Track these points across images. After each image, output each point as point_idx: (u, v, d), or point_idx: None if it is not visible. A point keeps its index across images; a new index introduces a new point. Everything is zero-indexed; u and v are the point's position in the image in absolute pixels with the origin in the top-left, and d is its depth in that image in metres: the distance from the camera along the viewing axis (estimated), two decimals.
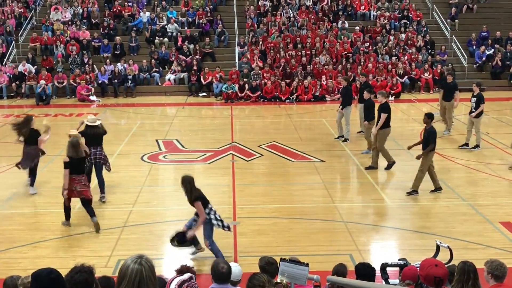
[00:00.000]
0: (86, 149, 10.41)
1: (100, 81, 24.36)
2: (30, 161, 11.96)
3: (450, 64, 24.85)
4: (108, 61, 25.22)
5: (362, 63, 24.71)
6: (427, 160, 11.45)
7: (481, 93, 14.83)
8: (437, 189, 11.66)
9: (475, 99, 14.72)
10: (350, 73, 24.00)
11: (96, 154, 11.41)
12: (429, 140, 11.37)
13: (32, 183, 12.06)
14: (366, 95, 14.52)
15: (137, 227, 10.20)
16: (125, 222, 10.35)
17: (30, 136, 11.90)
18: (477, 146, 14.88)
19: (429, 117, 11.57)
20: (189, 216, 10.69)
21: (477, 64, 25.90)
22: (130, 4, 28.53)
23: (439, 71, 23.73)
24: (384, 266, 5.76)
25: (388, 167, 13.25)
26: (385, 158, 13.26)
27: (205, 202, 8.81)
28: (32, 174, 12.11)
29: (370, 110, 14.29)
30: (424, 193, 11.90)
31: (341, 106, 16.07)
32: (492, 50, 26.17)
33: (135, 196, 11.74)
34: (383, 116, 12.94)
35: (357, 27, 27.15)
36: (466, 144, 15.04)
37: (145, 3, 29.11)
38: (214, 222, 8.66)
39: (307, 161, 14.36)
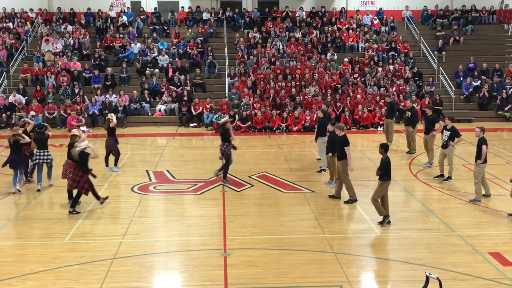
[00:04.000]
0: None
1: (90, 112, 24.44)
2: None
3: (437, 96, 25.20)
4: (99, 92, 25.35)
5: (351, 94, 25.00)
6: (381, 189, 11.63)
7: (454, 126, 15.10)
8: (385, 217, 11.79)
9: (449, 132, 14.99)
10: (339, 104, 24.27)
11: None
12: (383, 169, 11.59)
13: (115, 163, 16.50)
14: (330, 127, 14.64)
15: (127, 259, 10.16)
16: (115, 254, 10.30)
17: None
18: (449, 178, 15.09)
19: (383, 147, 11.80)
20: (180, 247, 10.70)
21: (465, 95, 26.27)
22: (121, 35, 28.80)
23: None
24: None
25: (347, 201, 13.31)
26: (347, 191, 13.38)
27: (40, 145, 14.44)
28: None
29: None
30: (414, 224, 11.97)
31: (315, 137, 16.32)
32: (479, 81, 26.59)
33: (125, 228, 11.70)
34: (347, 148, 13.09)
35: (346, 59, 27.53)
36: (441, 175, 15.25)
37: (136, 35, 29.40)
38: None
39: (297, 191, 14.42)
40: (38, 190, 14.37)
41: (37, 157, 14.44)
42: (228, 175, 15.61)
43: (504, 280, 9.13)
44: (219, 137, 15.50)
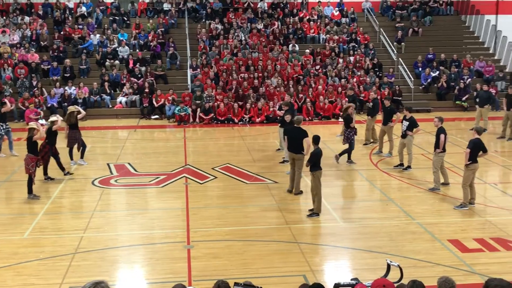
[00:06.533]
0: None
1: (49, 105, 23.95)
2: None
3: (397, 86, 25.55)
4: (57, 84, 24.84)
5: (312, 85, 25.15)
6: (315, 180, 11.83)
7: (412, 116, 15.39)
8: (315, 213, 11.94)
9: (408, 123, 15.29)
10: (302, 95, 24.39)
11: None
12: (313, 161, 11.83)
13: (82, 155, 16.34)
14: (287, 118, 15.03)
15: (89, 253, 10.03)
16: (76, 249, 10.16)
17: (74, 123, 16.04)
18: (409, 167, 15.39)
19: (313, 139, 12.10)
20: (142, 241, 10.62)
21: (423, 86, 26.72)
22: (80, 26, 28.26)
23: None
24: (336, 286, 5.84)
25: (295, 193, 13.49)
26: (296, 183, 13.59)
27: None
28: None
29: None
30: (374, 213, 12.15)
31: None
32: (437, 72, 27.07)
33: (86, 222, 11.54)
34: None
35: (307, 50, 27.65)
36: (401, 165, 15.54)
37: (96, 26, 28.89)
38: None
39: (261, 182, 14.47)
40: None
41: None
42: (191, 167, 15.53)
43: (463, 267, 9.36)
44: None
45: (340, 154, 16.09)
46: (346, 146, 16.21)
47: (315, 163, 11.82)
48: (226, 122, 23.13)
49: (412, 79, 26.67)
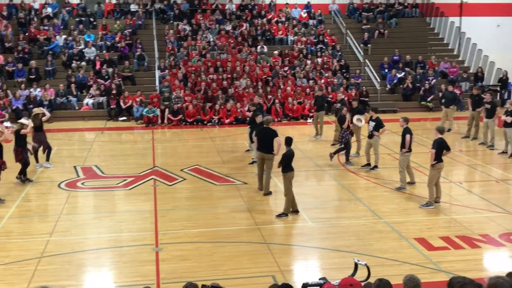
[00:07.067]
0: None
1: (14, 107, 23.52)
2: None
3: (364, 87, 25.83)
4: (22, 86, 24.43)
5: (281, 86, 25.26)
6: (286, 181, 11.91)
7: (379, 117, 15.62)
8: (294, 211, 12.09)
9: (374, 123, 15.50)
10: (270, 97, 24.46)
11: None
12: (285, 162, 11.89)
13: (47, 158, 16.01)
14: (259, 119, 14.97)
15: (55, 257, 9.89)
16: (42, 253, 10.01)
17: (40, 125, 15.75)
18: (376, 167, 15.62)
19: (285, 140, 12.14)
20: (110, 244, 10.52)
21: (389, 87, 27.06)
22: (45, 27, 27.83)
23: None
24: (305, 286, 5.89)
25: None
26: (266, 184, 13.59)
27: None
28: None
29: None
30: (343, 212, 12.27)
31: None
32: (403, 73, 27.47)
33: (52, 225, 11.38)
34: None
35: (276, 52, 27.76)
36: (368, 164, 15.75)
37: (62, 27, 28.49)
38: None
39: (230, 183, 14.46)
40: None
41: None
42: (159, 169, 15.45)
43: (429, 265, 9.52)
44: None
45: (334, 153, 16.37)
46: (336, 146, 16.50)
47: (286, 165, 11.89)
48: (195, 123, 23.06)
49: (379, 80, 27.00)
